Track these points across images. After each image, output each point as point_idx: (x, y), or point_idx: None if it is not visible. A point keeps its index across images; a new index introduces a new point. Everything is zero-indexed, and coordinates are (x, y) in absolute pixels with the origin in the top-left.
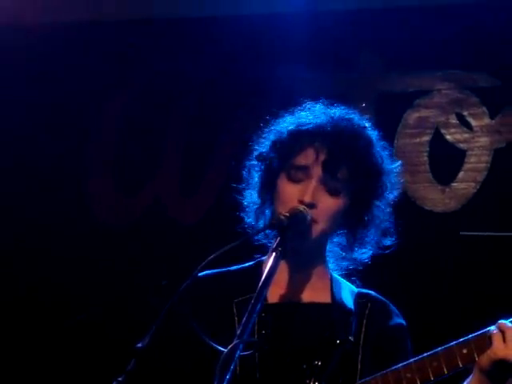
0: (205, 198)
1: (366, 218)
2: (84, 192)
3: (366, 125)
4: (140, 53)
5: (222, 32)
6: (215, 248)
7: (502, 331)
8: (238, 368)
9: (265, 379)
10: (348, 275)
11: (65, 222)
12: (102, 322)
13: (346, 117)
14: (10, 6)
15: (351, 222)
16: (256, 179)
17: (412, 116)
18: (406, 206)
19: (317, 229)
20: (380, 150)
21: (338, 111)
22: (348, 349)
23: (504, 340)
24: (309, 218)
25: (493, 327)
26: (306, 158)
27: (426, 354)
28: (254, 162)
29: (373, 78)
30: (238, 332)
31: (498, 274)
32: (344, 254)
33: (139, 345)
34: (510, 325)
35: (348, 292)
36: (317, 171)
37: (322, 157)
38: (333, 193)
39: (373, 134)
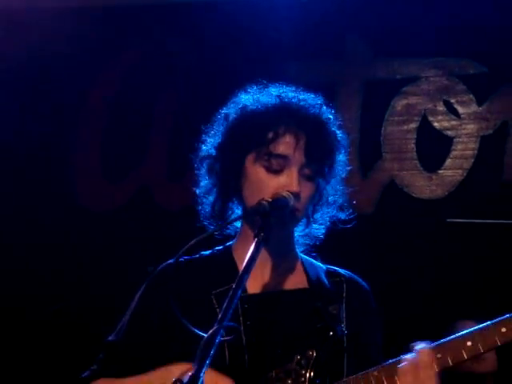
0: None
1: (328, 197)
2: (70, 178)
3: (324, 103)
4: (125, 38)
5: (207, 18)
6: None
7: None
8: (227, 358)
9: (255, 369)
10: (309, 251)
11: (51, 208)
12: (83, 310)
13: (308, 98)
14: None
15: (316, 202)
16: (216, 170)
17: (399, 103)
18: (394, 193)
19: (298, 217)
20: (337, 126)
21: (298, 93)
22: (338, 339)
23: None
24: (291, 203)
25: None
26: (286, 145)
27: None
28: (212, 153)
29: (360, 66)
30: (219, 317)
31: (483, 260)
32: (302, 232)
33: (110, 338)
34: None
35: (321, 272)
36: (298, 159)
37: (302, 144)
38: (309, 179)
39: (330, 111)
